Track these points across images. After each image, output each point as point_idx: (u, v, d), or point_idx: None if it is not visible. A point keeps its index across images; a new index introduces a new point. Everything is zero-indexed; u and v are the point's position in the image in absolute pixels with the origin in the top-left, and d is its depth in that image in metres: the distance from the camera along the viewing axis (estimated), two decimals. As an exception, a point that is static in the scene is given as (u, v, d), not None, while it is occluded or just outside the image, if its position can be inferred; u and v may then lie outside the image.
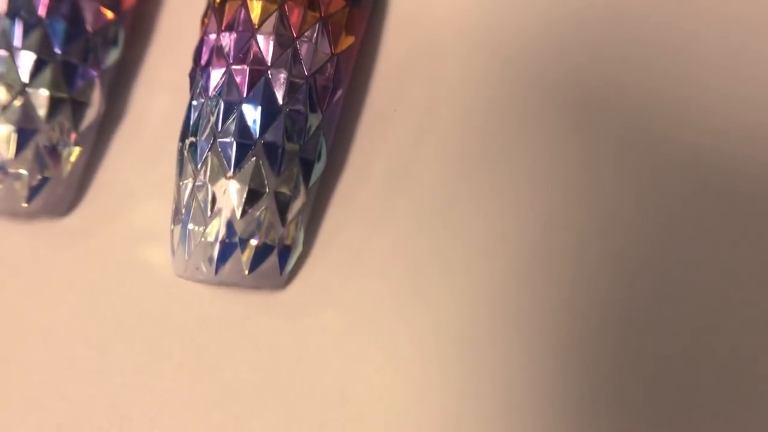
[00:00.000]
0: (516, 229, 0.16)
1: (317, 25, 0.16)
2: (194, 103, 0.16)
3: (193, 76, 0.17)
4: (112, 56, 0.17)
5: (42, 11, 0.17)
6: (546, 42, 0.18)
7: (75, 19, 0.17)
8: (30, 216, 0.17)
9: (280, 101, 0.16)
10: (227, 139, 0.15)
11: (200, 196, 0.15)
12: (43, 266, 0.17)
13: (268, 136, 0.15)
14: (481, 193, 0.16)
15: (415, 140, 0.17)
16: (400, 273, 0.16)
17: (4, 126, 0.16)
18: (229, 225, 0.15)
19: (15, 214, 0.16)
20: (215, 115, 0.16)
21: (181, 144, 0.16)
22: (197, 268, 0.15)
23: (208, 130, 0.16)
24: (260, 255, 0.15)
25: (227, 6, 0.16)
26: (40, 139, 0.16)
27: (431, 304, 0.16)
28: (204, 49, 0.17)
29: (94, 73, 0.17)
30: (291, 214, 0.16)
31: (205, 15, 0.17)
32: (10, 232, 0.17)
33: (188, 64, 0.17)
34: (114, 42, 0.17)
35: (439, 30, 0.18)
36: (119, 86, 0.18)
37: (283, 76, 0.16)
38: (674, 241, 0.16)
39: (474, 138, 0.17)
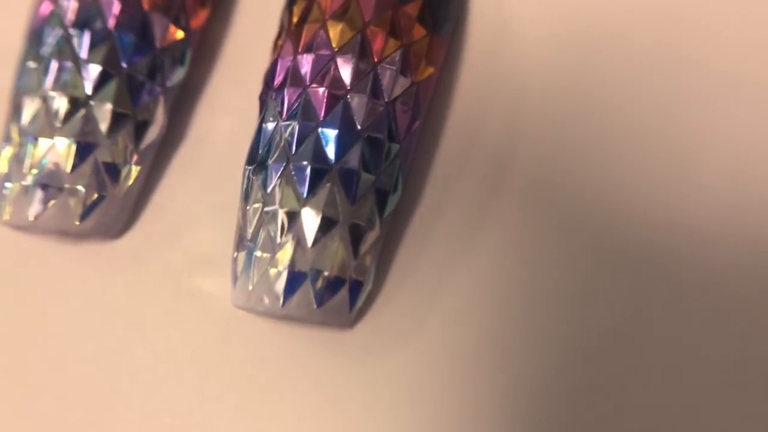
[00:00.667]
0: (604, 282, 0.15)
1: (398, 52, 0.16)
2: (265, 125, 0.15)
3: (264, 99, 0.16)
4: (178, 75, 0.17)
5: (111, 23, 0.16)
6: (622, 75, 0.17)
7: (144, 34, 0.16)
8: (80, 236, 0.16)
9: (359, 126, 0.15)
10: (302, 163, 0.14)
11: (269, 222, 0.14)
12: (90, 291, 0.15)
13: (345, 162, 0.15)
14: (566, 238, 0.15)
15: (493, 177, 0.16)
16: (477, 319, 0.15)
17: (63, 138, 0.15)
18: (300, 254, 0.14)
19: (65, 233, 0.15)
20: (289, 138, 0.15)
21: (249, 168, 0.15)
22: (261, 299, 0.14)
23: (279, 154, 0.15)
24: (330, 288, 0.14)
25: (305, 28, 0.16)
26: (100, 155, 0.15)
27: (511, 357, 0.14)
28: (278, 70, 0.16)
29: (159, 90, 0.16)
30: (364, 247, 0.14)
31: (279, 37, 0.16)
32: (58, 253, 0.16)
33: (253, 87, 0.17)
34: (181, 60, 0.17)
35: (519, 63, 0.17)
36: (182, 106, 0.17)
37: (362, 100, 0.15)
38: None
39: (556, 177, 0.16)
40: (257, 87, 0.17)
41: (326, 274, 0.14)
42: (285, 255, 0.14)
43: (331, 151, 0.15)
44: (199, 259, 0.16)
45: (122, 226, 0.16)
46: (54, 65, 0.16)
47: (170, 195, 0.16)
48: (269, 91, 0.16)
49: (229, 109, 0.17)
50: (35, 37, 0.16)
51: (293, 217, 0.14)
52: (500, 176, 0.16)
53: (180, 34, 0.17)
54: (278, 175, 0.15)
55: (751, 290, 0.15)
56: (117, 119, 0.16)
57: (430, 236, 0.15)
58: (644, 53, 0.17)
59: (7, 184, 0.15)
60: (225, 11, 0.18)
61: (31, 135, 0.15)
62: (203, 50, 0.18)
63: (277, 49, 0.16)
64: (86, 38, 0.16)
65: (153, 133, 0.16)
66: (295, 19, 0.16)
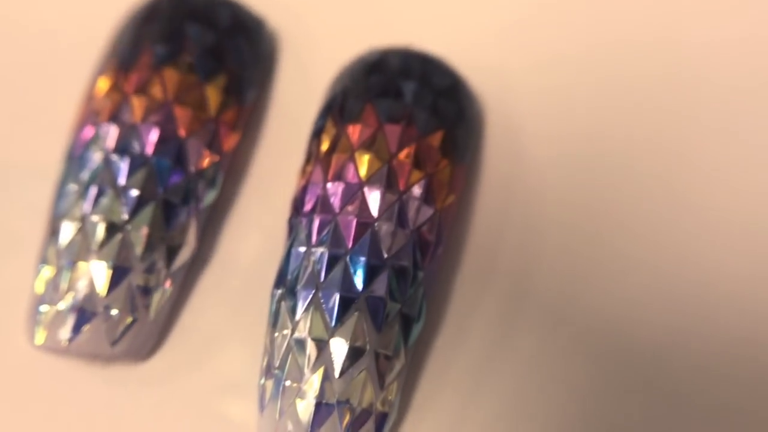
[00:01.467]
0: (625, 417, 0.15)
1: (423, 182, 0.16)
2: (294, 250, 0.16)
3: (292, 224, 0.17)
4: (210, 197, 0.17)
5: (150, 150, 0.17)
6: (633, 194, 0.18)
7: (180, 160, 0.17)
8: (112, 359, 0.16)
9: (386, 254, 0.15)
10: (331, 291, 0.15)
11: (297, 350, 0.15)
12: (118, 413, 0.15)
13: (372, 291, 0.15)
14: (586, 364, 0.15)
15: (514, 303, 0.16)
16: (501, 447, 0.15)
17: (100, 262, 0.16)
18: (327, 384, 0.14)
19: (98, 357, 0.16)
20: (318, 264, 0.15)
21: (277, 292, 0.16)
22: (288, 429, 0.14)
23: (308, 280, 0.15)
24: (357, 421, 0.14)
25: (334, 157, 0.17)
26: (134, 278, 0.16)
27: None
28: (308, 197, 0.16)
29: (192, 213, 0.17)
30: (390, 377, 0.15)
31: (308, 164, 0.17)
32: (87, 375, 0.16)
33: (280, 207, 0.17)
34: (213, 183, 0.17)
35: (534, 187, 0.18)
36: (211, 225, 0.18)
37: (389, 229, 0.16)
38: None
39: (573, 304, 0.16)
40: (284, 207, 0.17)
41: (353, 405, 0.14)
42: (312, 385, 0.14)
43: (359, 280, 0.15)
44: (225, 384, 0.16)
45: (152, 349, 0.16)
46: (93, 190, 0.16)
47: (198, 316, 0.17)
48: (298, 216, 0.16)
49: (256, 228, 0.18)
50: (76, 160, 0.17)
51: (321, 346, 0.15)
52: (519, 302, 0.16)
53: (213, 159, 0.18)
54: (307, 302, 0.15)
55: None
56: (151, 243, 0.16)
57: (452, 364, 0.16)
58: (653, 170, 0.18)
59: (42, 308, 0.16)
60: (254, 134, 0.19)
61: (68, 258, 0.16)
62: (233, 171, 0.19)
63: (306, 175, 0.17)
64: (125, 164, 0.16)
65: (185, 255, 0.17)
66: (324, 148, 0.17)
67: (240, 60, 0.19)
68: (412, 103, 0.17)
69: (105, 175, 0.16)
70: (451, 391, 0.16)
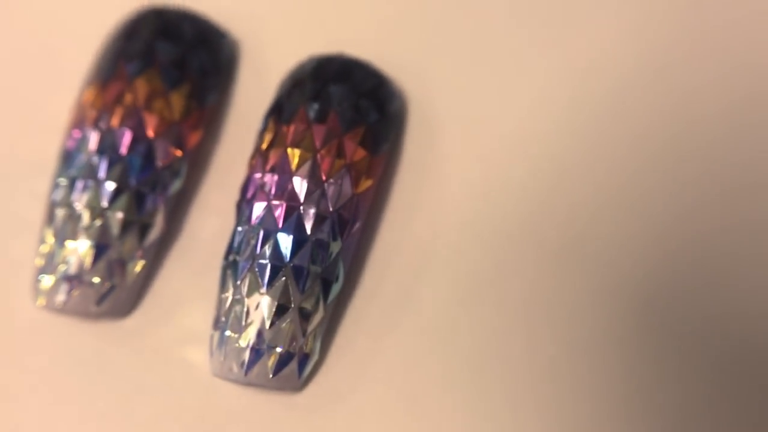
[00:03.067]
0: (513, 352, 0.19)
1: (342, 170, 0.20)
2: (239, 228, 0.20)
3: (239, 206, 0.20)
4: (176, 186, 0.21)
5: (124, 150, 0.21)
6: (542, 191, 0.21)
7: (149, 156, 0.21)
8: (98, 317, 0.20)
9: (308, 232, 0.19)
10: (263, 261, 0.19)
11: (237, 307, 0.19)
12: (104, 360, 0.20)
13: (297, 261, 0.19)
14: (473, 320, 0.19)
15: (419, 268, 0.20)
16: (402, 383, 0.19)
17: (85, 241, 0.20)
18: (260, 334, 0.18)
19: (86, 315, 0.20)
20: (255, 240, 0.19)
21: (225, 261, 0.20)
22: (230, 369, 0.18)
23: (248, 253, 0.19)
24: (283, 361, 0.18)
25: (271, 152, 0.20)
26: (112, 253, 0.20)
27: (429, 414, 0.18)
28: (250, 185, 0.20)
29: (160, 199, 0.21)
30: (311, 327, 0.19)
31: (253, 157, 0.21)
32: (81, 330, 0.20)
33: (235, 194, 0.21)
34: (178, 174, 0.21)
35: (443, 176, 0.21)
36: (178, 210, 0.22)
37: (312, 211, 0.19)
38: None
39: (470, 269, 0.20)
40: (237, 191, 0.21)
41: (279, 350, 0.18)
42: (248, 335, 0.18)
43: (286, 252, 0.19)
44: (188, 335, 0.20)
45: (130, 308, 0.20)
46: (80, 184, 0.20)
47: (168, 282, 0.21)
48: (243, 200, 0.20)
49: (215, 211, 0.22)
50: (65, 159, 0.21)
51: (256, 304, 0.19)
52: (424, 269, 0.20)
53: (178, 155, 0.21)
54: (246, 269, 0.19)
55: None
56: (126, 225, 0.20)
57: (366, 316, 0.20)
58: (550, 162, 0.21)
59: (41, 277, 0.20)
60: (216, 132, 0.23)
61: (60, 239, 0.20)
62: (196, 163, 0.22)
63: (251, 167, 0.21)
64: (104, 162, 0.20)
65: (154, 234, 0.21)
66: (264, 145, 0.21)
67: (201, 70, 0.23)
68: (337, 105, 0.21)
69: (88, 172, 0.20)
70: (365, 337, 0.19)
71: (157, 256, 0.21)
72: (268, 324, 0.18)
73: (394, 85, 0.22)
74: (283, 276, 0.19)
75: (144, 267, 0.20)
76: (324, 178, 0.20)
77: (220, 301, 0.19)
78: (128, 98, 0.21)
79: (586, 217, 0.20)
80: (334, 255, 0.19)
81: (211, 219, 0.22)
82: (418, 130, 0.22)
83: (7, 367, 0.20)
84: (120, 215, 0.20)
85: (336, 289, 0.19)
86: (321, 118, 0.20)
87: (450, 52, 0.23)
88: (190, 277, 0.21)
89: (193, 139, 0.22)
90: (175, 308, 0.20)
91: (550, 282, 0.20)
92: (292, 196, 0.19)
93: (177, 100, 0.22)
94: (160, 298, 0.21)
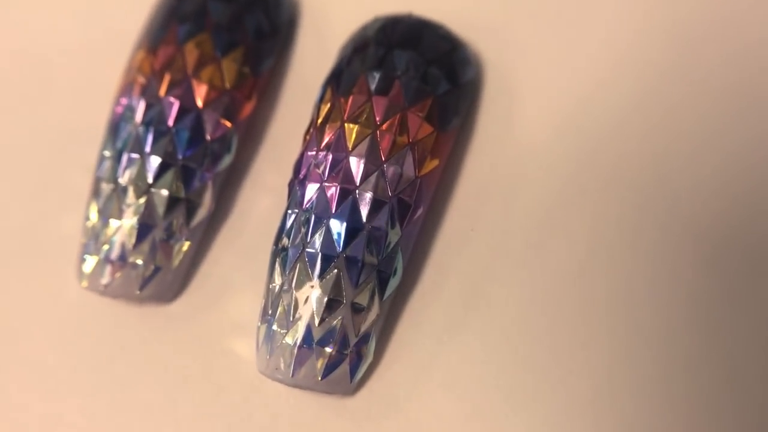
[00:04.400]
0: (582, 362, 0.16)
1: (405, 150, 0.18)
2: (290, 212, 0.18)
3: (291, 186, 0.19)
4: (225, 161, 0.20)
5: (171, 121, 0.19)
6: (622, 172, 0.18)
7: (197, 129, 0.19)
8: (141, 301, 0.19)
9: (364, 219, 0.17)
10: (314, 250, 0.17)
11: (285, 299, 0.17)
12: (147, 347, 0.19)
13: (350, 251, 0.17)
14: (550, 323, 0.17)
15: (488, 261, 0.18)
16: (464, 390, 0.17)
17: (128, 220, 0.19)
18: (308, 331, 0.17)
19: (129, 299, 0.19)
20: (306, 226, 0.17)
21: (274, 248, 0.18)
22: (276, 369, 0.17)
23: (298, 239, 0.17)
24: (333, 363, 0.17)
25: (327, 127, 0.18)
26: (157, 234, 0.19)
27: (493, 425, 0.16)
28: (303, 163, 0.18)
29: (208, 176, 0.19)
30: (365, 325, 0.17)
31: (308, 132, 0.19)
32: (124, 314, 0.19)
33: (289, 172, 0.19)
34: (228, 149, 0.20)
35: (520, 156, 0.19)
36: (227, 187, 0.20)
37: (369, 195, 0.17)
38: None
39: (547, 264, 0.17)
40: (291, 167, 0.19)
41: (329, 350, 0.17)
42: (296, 331, 0.17)
43: (339, 241, 0.17)
44: (234, 324, 0.19)
45: (175, 293, 0.19)
46: (125, 157, 0.19)
47: (215, 265, 0.19)
48: (295, 180, 0.18)
49: (267, 188, 0.20)
50: (112, 129, 0.20)
51: (305, 297, 0.17)
52: (495, 262, 0.18)
53: (228, 126, 0.20)
54: (295, 259, 0.17)
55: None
56: (172, 203, 0.19)
57: (426, 314, 0.18)
58: (655, 135, 0.18)
59: (85, 256, 0.19)
60: (271, 100, 0.21)
61: (104, 216, 0.19)
62: (249, 136, 0.21)
63: (305, 142, 0.19)
64: (150, 135, 0.19)
65: (201, 214, 0.19)
66: (320, 118, 0.19)
67: (257, 33, 0.21)
68: (402, 74, 0.18)
69: (134, 145, 0.19)
70: (424, 338, 0.17)
71: (204, 238, 0.20)
72: (317, 320, 0.17)
73: (469, 50, 0.20)
74: (336, 268, 0.17)
75: (190, 249, 0.19)
76: (383, 157, 0.18)
77: (268, 291, 0.17)
78: (177, 65, 0.20)
79: (687, 214, 0.18)
80: (392, 245, 0.17)
81: (263, 198, 0.20)
82: (495, 102, 0.20)
83: (51, 347, 0.19)
84: (165, 193, 0.19)
85: (393, 283, 0.17)
86: (383, 88, 0.18)
87: (531, 9, 0.20)
88: (239, 261, 0.19)
89: (246, 109, 0.20)
90: (222, 294, 0.19)
91: (639, 287, 0.17)
92: (347, 177, 0.17)
93: (229, 67, 0.20)
94: (207, 282, 0.19)
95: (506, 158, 0.19)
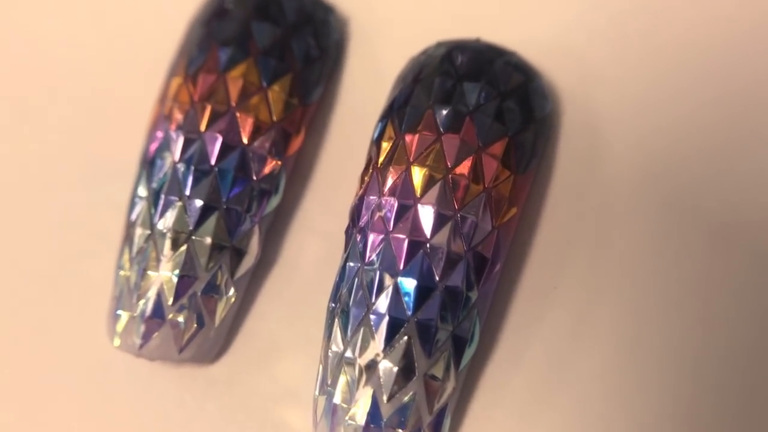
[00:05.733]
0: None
1: (481, 197, 0.16)
2: (350, 264, 0.16)
3: (349, 234, 0.17)
4: (272, 203, 0.18)
5: (213, 159, 0.17)
6: (713, 219, 0.16)
7: (242, 167, 0.17)
8: (180, 362, 0.17)
9: (437, 277, 0.15)
10: (380, 314, 0.15)
11: (348, 370, 0.15)
12: (186, 414, 0.17)
13: (422, 314, 0.15)
14: (649, 400, 0.15)
15: (576, 324, 0.16)
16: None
17: (167, 273, 0.16)
18: (375, 407, 0.14)
19: (166, 360, 0.17)
20: (369, 284, 0.15)
21: (332, 306, 0.16)
22: (338, 448, 0.15)
23: (360, 298, 0.15)
24: (405, 444, 0.14)
25: (391, 170, 0.16)
26: (198, 287, 0.17)
27: None
28: (363, 209, 0.16)
29: (255, 220, 0.17)
30: (440, 401, 0.15)
31: (366, 173, 0.17)
32: (160, 376, 0.17)
33: (342, 213, 0.17)
34: (275, 189, 0.18)
35: (606, 200, 0.17)
36: (273, 232, 0.18)
37: (442, 250, 0.15)
38: None
39: (643, 328, 0.15)
40: (345, 212, 0.17)
41: (402, 430, 0.14)
42: (362, 408, 0.15)
43: (409, 302, 0.15)
44: (285, 390, 0.17)
45: (217, 352, 0.17)
46: (162, 199, 0.17)
47: (260, 322, 0.17)
48: (354, 228, 0.16)
49: (317, 233, 0.18)
50: (147, 167, 0.18)
51: (371, 368, 0.15)
52: (583, 324, 0.16)
53: (276, 164, 0.18)
54: (358, 321, 0.15)
55: None
56: (215, 252, 0.17)
57: (506, 387, 0.15)
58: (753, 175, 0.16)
59: (119, 312, 0.17)
60: (318, 133, 0.19)
61: (139, 266, 0.17)
62: (295, 174, 0.19)
63: (363, 184, 0.17)
64: (190, 174, 0.17)
65: (248, 263, 0.17)
66: (381, 157, 0.17)
67: (305, 58, 0.19)
68: (474, 110, 0.16)
69: (172, 185, 0.17)
70: (504, 415, 0.15)
71: (249, 286, 0.18)
72: (386, 396, 0.15)
73: (544, 81, 0.18)
74: (406, 334, 0.15)
75: (234, 303, 0.17)
76: (457, 206, 0.16)
77: (327, 357, 0.15)
78: (219, 95, 0.17)
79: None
80: (469, 307, 0.15)
81: (312, 244, 0.18)
82: (574, 140, 0.18)
83: (76, 412, 0.17)
84: (208, 240, 0.17)
85: (470, 351, 0.15)
86: (453, 126, 0.16)
87: (611, 33, 0.18)
88: (288, 317, 0.17)
89: (294, 144, 0.18)
90: (270, 355, 0.17)
91: (742, 347, 0.15)
92: (417, 228, 0.15)
93: (276, 97, 0.18)
94: (252, 341, 0.17)
95: (590, 203, 0.17)
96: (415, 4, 0.20)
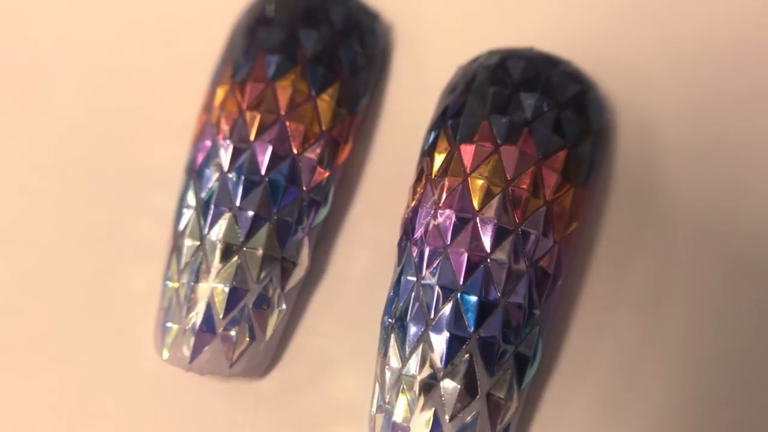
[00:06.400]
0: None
1: (541, 211, 0.15)
2: (405, 278, 0.15)
3: (402, 247, 0.16)
4: (322, 214, 0.17)
5: (263, 170, 0.17)
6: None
7: (293, 178, 0.17)
8: (230, 376, 0.16)
9: (499, 293, 0.15)
10: (441, 330, 0.14)
11: (407, 388, 0.15)
12: (236, 430, 0.16)
13: (484, 331, 0.14)
14: (718, 420, 0.14)
15: (640, 339, 0.15)
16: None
17: (218, 285, 0.16)
18: (438, 428, 0.14)
19: (217, 375, 0.16)
20: (427, 299, 0.15)
21: (389, 320, 0.15)
22: (397, 469, 0.14)
23: (417, 314, 0.15)
24: (468, 468, 0.14)
25: (446, 181, 0.16)
26: (249, 299, 0.16)
27: None
28: (418, 222, 0.16)
29: (304, 231, 0.17)
30: (502, 422, 0.14)
31: (418, 184, 0.16)
32: (208, 391, 0.17)
33: (391, 223, 0.17)
34: (325, 199, 0.17)
35: (667, 214, 0.16)
36: (321, 243, 0.18)
37: (503, 265, 0.15)
38: None
39: (711, 341, 0.15)
40: (394, 222, 0.17)
41: (464, 453, 0.14)
42: (423, 427, 0.14)
43: (470, 319, 0.15)
44: (339, 407, 0.16)
45: (267, 367, 0.17)
46: (212, 211, 0.17)
47: (311, 335, 0.17)
48: (408, 241, 0.16)
49: (366, 243, 0.18)
50: (194, 177, 0.17)
51: (431, 387, 0.14)
52: (649, 340, 0.15)
53: (325, 174, 0.17)
54: (417, 338, 0.15)
55: None
56: (266, 264, 0.16)
57: (568, 406, 0.15)
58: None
59: (168, 324, 0.16)
60: (365, 142, 0.19)
61: (188, 278, 0.16)
62: (342, 184, 0.18)
63: (416, 196, 0.16)
64: (241, 184, 0.17)
65: (298, 275, 0.17)
66: (435, 168, 0.16)
67: (352, 66, 0.18)
68: (531, 120, 0.16)
69: (222, 196, 0.17)
70: (566, 433, 0.15)
71: (298, 299, 0.17)
72: (448, 415, 0.14)
73: (601, 91, 0.17)
74: (468, 352, 0.14)
75: (285, 315, 0.17)
76: (518, 220, 0.15)
77: (383, 374, 0.15)
78: (268, 104, 0.17)
79: None
80: (531, 324, 0.15)
81: (361, 255, 0.18)
82: (632, 151, 0.17)
83: (126, 424, 0.17)
84: (260, 252, 0.16)
85: (532, 370, 0.15)
86: (511, 137, 0.16)
87: (668, 39, 0.18)
88: (339, 330, 0.17)
89: (343, 154, 0.18)
90: (322, 370, 0.17)
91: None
92: (476, 242, 0.15)
93: (325, 106, 0.18)
94: (303, 355, 0.17)
95: (651, 217, 0.16)
96: (459, 10, 0.20)
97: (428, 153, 0.17)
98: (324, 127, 0.18)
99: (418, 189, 0.16)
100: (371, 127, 0.19)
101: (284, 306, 0.17)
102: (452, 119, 0.17)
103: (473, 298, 0.15)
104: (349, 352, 0.16)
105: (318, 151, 0.17)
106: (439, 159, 0.16)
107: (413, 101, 0.19)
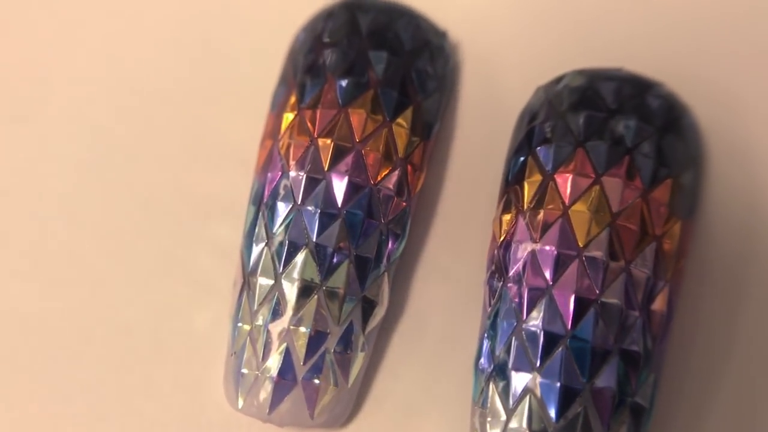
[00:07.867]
0: None
1: (651, 247, 0.14)
2: (501, 322, 0.14)
3: (493, 286, 0.15)
4: (400, 247, 0.16)
5: (340, 202, 0.16)
6: None
7: (371, 210, 0.16)
8: (311, 427, 0.15)
9: (612, 340, 0.14)
10: (551, 379, 0.13)
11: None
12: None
13: (599, 382, 0.13)
14: None
15: (758, 383, 0.14)
16: None
17: (296, 327, 0.15)
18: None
19: (298, 426, 0.15)
20: (533, 346, 0.14)
21: (484, 366, 0.14)
22: None
23: (522, 361, 0.14)
24: None
25: (543, 213, 0.15)
26: (331, 343, 0.15)
27: None
28: (512, 258, 0.15)
29: (384, 267, 0.16)
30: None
31: (507, 213, 0.15)
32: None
33: (470, 255, 0.16)
34: (403, 231, 0.16)
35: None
36: (398, 278, 0.16)
37: (615, 309, 0.14)
38: None
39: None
40: (474, 255, 0.16)
41: None
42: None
43: (583, 367, 0.13)
44: (429, 461, 0.15)
45: (347, 416, 0.15)
46: (286, 247, 0.15)
47: (391, 380, 0.16)
48: (502, 279, 0.15)
49: (444, 278, 0.16)
50: (265, 208, 0.16)
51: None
52: (765, 385, 0.14)
53: (403, 205, 0.16)
54: (522, 388, 0.14)
55: None
56: (346, 304, 0.15)
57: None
58: None
59: (244, 370, 0.15)
60: (437, 169, 0.18)
61: (263, 320, 0.15)
62: (417, 215, 0.17)
63: (506, 228, 0.15)
64: (317, 218, 0.15)
65: (379, 315, 0.16)
66: (527, 198, 0.15)
67: (425, 87, 0.17)
68: (632, 147, 0.15)
69: (297, 230, 0.15)
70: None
71: (378, 342, 0.16)
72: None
73: (694, 115, 0.16)
74: (582, 404, 0.13)
75: (366, 359, 0.15)
76: (627, 257, 0.14)
77: (484, 426, 0.14)
78: (341, 132, 0.16)
79: None
80: (647, 372, 0.14)
81: (440, 290, 0.16)
82: (727, 180, 0.16)
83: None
84: (341, 291, 0.15)
85: (649, 421, 0.14)
86: (612, 165, 0.15)
87: (757, 58, 0.17)
88: (422, 375, 0.16)
89: (418, 182, 0.17)
90: (407, 419, 0.15)
91: None
92: (584, 283, 0.14)
93: (399, 132, 0.16)
94: (385, 403, 0.16)
95: (758, 250, 0.15)
96: (528, 26, 0.19)
97: (516, 182, 0.15)
98: (400, 155, 0.16)
99: (507, 220, 0.15)
100: (443, 152, 0.18)
101: (365, 349, 0.16)
102: (541, 145, 0.16)
103: (585, 344, 0.13)
104: (435, 400, 0.15)
105: (395, 180, 0.16)
106: (530, 189, 0.15)
107: (486, 124, 0.18)
